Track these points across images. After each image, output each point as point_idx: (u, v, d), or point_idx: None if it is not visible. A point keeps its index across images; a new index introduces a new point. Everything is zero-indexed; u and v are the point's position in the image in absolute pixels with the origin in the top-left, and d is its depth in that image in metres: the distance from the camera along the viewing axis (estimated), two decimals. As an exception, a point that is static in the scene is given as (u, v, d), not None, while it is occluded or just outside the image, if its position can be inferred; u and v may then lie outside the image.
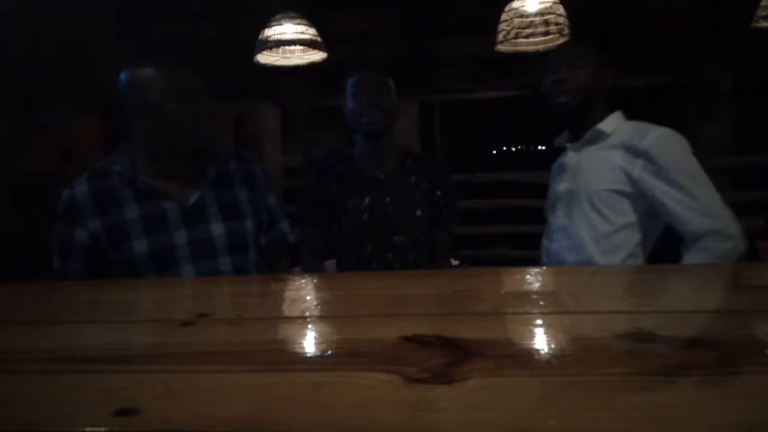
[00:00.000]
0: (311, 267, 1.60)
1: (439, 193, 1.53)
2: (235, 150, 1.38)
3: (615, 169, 1.27)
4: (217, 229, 1.22)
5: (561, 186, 1.41)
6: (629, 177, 1.25)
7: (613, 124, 1.34)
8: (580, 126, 1.39)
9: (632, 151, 1.25)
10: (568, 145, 1.44)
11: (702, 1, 3.62)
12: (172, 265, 1.18)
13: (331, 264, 1.68)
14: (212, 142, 1.29)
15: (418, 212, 1.49)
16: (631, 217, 1.27)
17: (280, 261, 1.42)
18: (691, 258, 1.19)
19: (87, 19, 3.44)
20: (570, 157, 1.42)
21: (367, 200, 1.48)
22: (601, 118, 1.36)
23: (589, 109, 1.36)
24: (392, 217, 1.47)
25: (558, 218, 1.41)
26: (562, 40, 2.09)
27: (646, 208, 1.26)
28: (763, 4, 2.05)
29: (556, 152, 1.55)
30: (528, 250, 3.74)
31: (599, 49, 1.37)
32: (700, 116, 3.92)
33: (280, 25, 2.21)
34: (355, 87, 1.48)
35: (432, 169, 1.56)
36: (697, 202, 1.17)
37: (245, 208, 1.27)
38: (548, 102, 1.38)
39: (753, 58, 3.65)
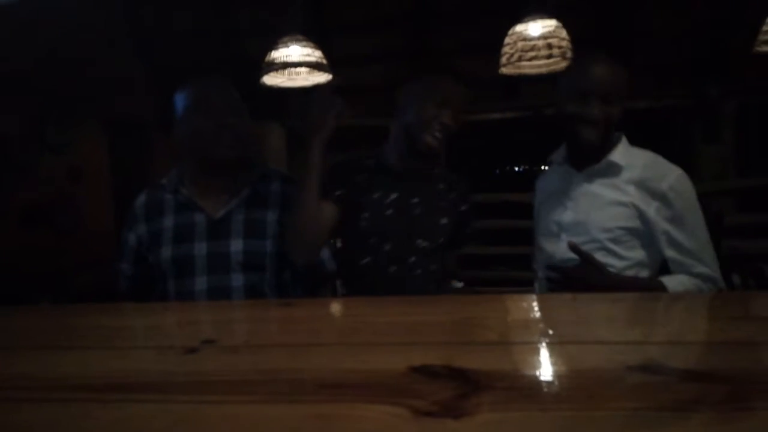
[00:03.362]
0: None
1: (464, 208, 1.46)
2: (283, 171, 1.40)
3: (628, 205, 1.23)
4: (236, 245, 1.24)
5: (565, 215, 1.33)
6: (642, 215, 1.22)
7: (624, 154, 1.28)
8: (592, 155, 1.31)
9: (649, 190, 1.22)
10: (572, 170, 1.35)
11: (705, 25, 3.66)
12: (189, 275, 1.23)
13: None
14: (247, 158, 1.32)
15: (443, 220, 1.40)
16: (641, 254, 1.25)
17: (320, 288, 1.39)
18: (679, 281, 1.19)
19: (96, 39, 3.50)
20: (575, 185, 1.33)
21: (393, 196, 1.38)
22: (610, 144, 1.29)
23: (607, 140, 1.29)
24: (418, 218, 1.37)
25: (562, 248, 1.30)
26: (564, 64, 2.04)
27: (654, 245, 1.24)
28: (764, 29, 2.08)
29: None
30: (531, 272, 3.73)
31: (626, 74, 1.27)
32: (704, 138, 3.93)
33: (287, 47, 2.24)
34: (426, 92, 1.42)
35: (461, 182, 1.49)
36: (700, 249, 1.20)
37: (271, 229, 1.27)
38: (567, 130, 1.29)
39: (756, 81, 3.68)
